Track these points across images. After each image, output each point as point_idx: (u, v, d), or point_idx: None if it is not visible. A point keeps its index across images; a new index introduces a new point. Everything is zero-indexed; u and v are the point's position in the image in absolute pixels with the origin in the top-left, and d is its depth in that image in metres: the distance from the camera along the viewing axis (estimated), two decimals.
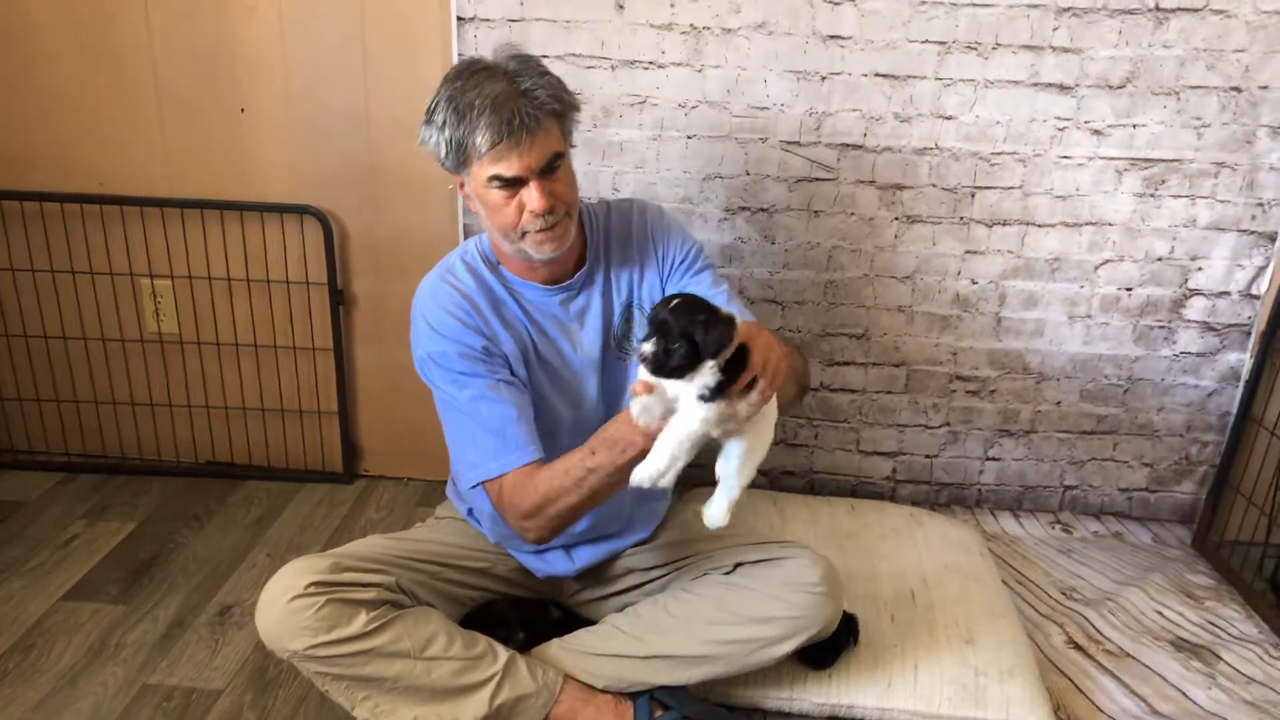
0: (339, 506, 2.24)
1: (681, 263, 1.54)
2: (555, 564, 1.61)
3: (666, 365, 1.15)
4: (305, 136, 2.10)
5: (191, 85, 2.08)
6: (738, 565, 1.51)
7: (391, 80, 2.05)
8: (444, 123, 1.34)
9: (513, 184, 1.35)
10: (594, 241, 1.54)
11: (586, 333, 1.52)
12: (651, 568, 1.62)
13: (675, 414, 1.19)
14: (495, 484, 1.40)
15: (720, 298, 1.47)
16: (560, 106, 1.37)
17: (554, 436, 1.49)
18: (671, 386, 1.18)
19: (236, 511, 2.20)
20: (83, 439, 2.37)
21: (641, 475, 1.19)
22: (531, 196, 1.35)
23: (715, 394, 1.16)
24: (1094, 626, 1.84)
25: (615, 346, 1.54)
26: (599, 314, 1.52)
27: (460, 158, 1.35)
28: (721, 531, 1.33)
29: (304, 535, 2.11)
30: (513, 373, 1.46)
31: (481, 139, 1.31)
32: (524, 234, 1.39)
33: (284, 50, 2.04)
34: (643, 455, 1.22)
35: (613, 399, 1.56)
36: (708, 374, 1.15)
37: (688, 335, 1.14)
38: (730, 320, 1.17)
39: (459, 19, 1.98)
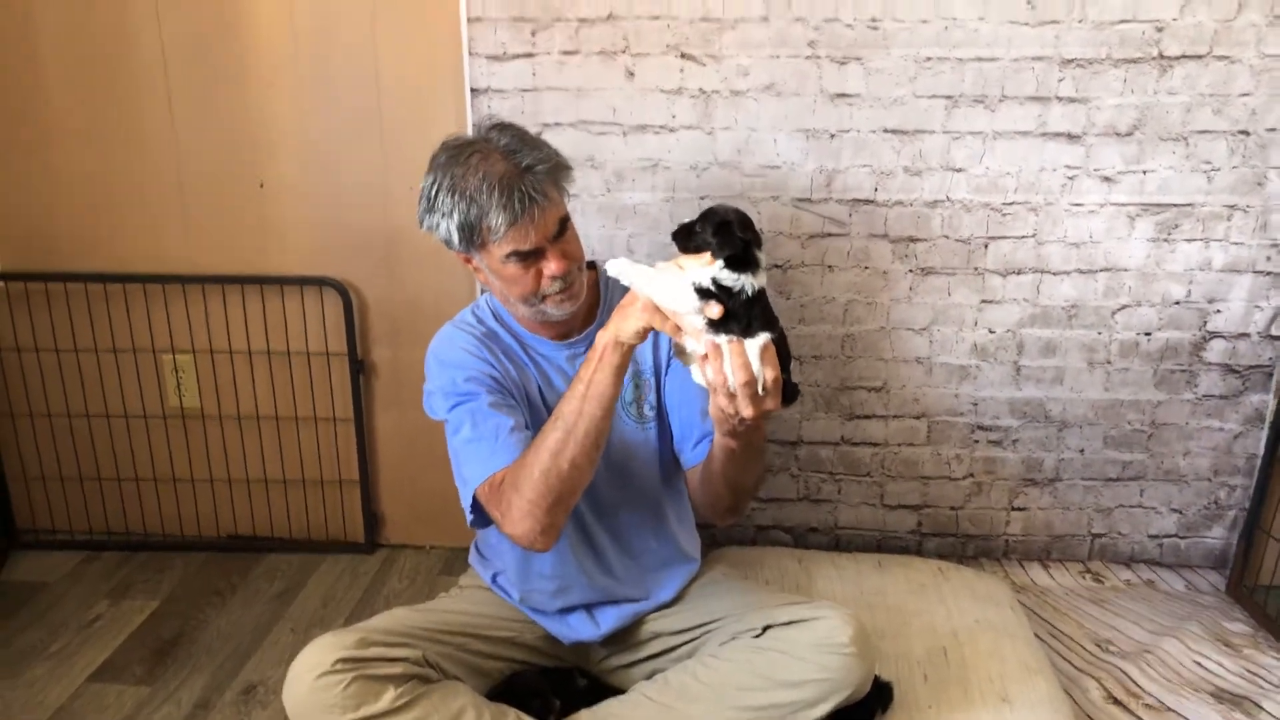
0: (362, 577, 2.23)
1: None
2: (580, 629, 1.59)
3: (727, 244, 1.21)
4: (323, 209, 2.14)
5: (211, 162, 2.12)
6: (767, 628, 1.49)
7: (408, 151, 2.08)
8: (451, 210, 1.36)
9: (530, 255, 1.38)
10: (607, 299, 1.56)
11: None
12: (679, 631, 1.60)
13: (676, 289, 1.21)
14: (487, 486, 1.38)
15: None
16: (556, 172, 1.39)
17: None
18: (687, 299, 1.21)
19: (259, 585, 2.19)
20: (106, 517, 2.37)
21: (616, 267, 1.26)
22: (550, 264, 1.39)
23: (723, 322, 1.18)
24: (1132, 680, 1.80)
25: (624, 410, 1.54)
26: None
27: (474, 241, 1.37)
28: None
29: (327, 608, 2.10)
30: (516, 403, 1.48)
31: (497, 221, 1.33)
32: (544, 297, 1.42)
33: (301, 125, 2.08)
34: (617, 370, 1.28)
35: (619, 460, 1.54)
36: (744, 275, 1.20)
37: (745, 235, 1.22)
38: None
39: (473, 90, 2.02)
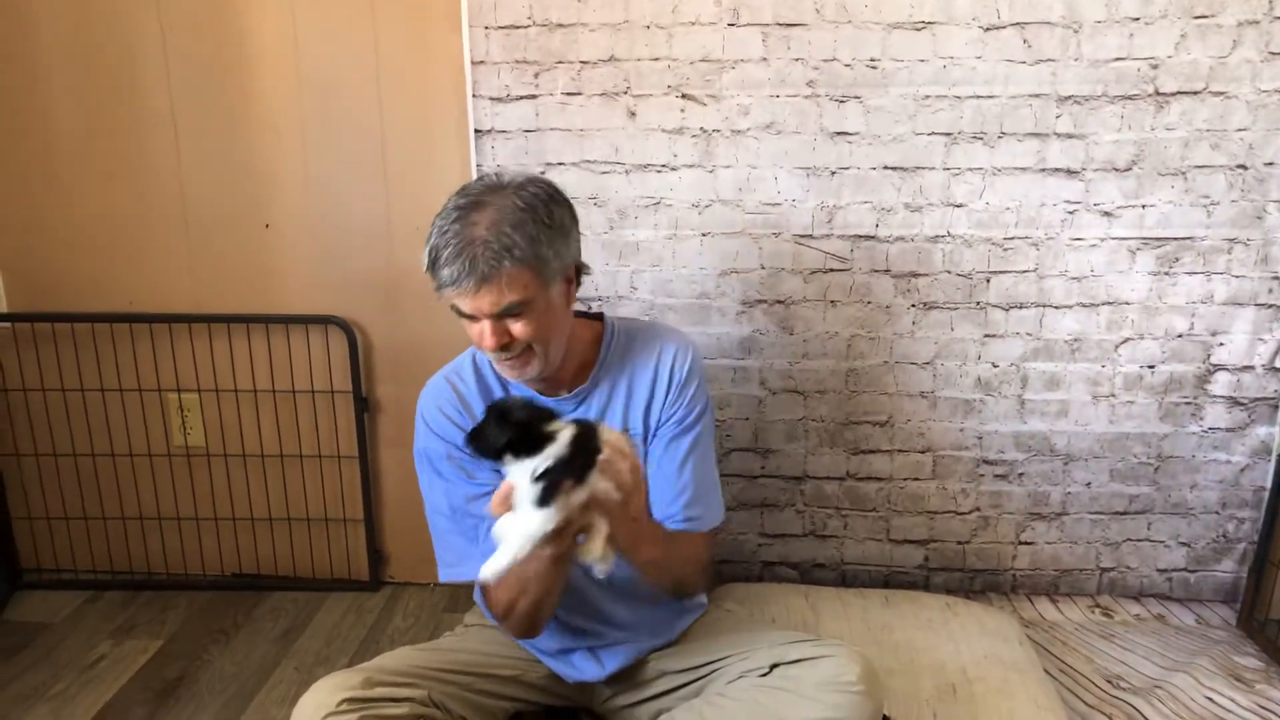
0: (366, 615, 2.21)
1: (674, 417, 1.51)
2: (584, 670, 1.58)
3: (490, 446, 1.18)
4: (328, 248, 2.15)
5: (217, 203, 2.14)
6: (774, 666, 1.47)
7: (412, 191, 2.10)
8: (429, 242, 1.33)
9: (469, 317, 1.36)
10: (605, 361, 1.53)
11: None
12: (685, 670, 1.58)
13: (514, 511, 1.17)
14: (476, 585, 1.46)
15: (686, 458, 1.50)
16: (529, 262, 1.31)
17: None
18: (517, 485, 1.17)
19: (263, 624, 2.18)
20: (110, 556, 2.37)
21: (486, 574, 1.19)
22: (482, 334, 1.35)
23: (547, 494, 1.14)
24: (1144, 716, 1.78)
25: None
26: None
27: (432, 274, 1.34)
28: None
29: (331, 647, 2.08)
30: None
31: (443, 274, 1.31)
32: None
33: (306, 166, 2.11)
34: (557, 560, 1.28)
35: None
36: (528, 472, 1.15)
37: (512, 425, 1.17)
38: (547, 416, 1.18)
39: (476, 131, 2.04)
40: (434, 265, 1.32)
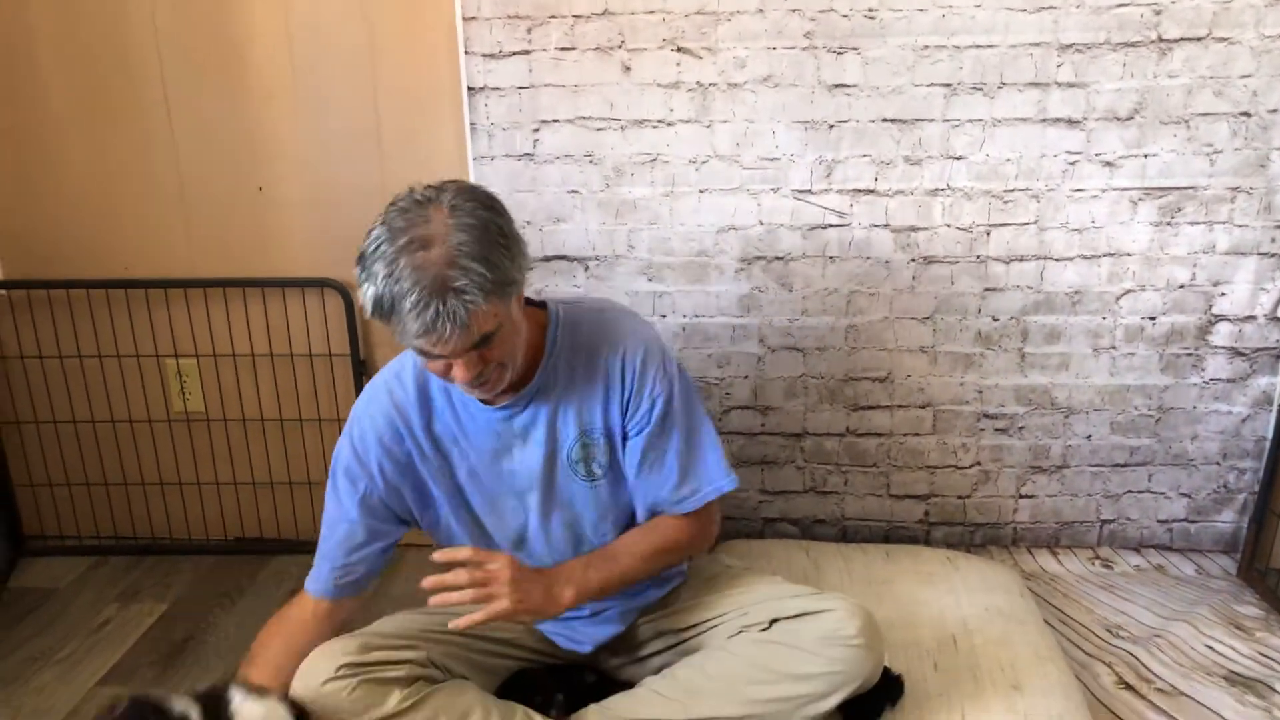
0: None
1: (640, 420, 1.45)
2: (570, 644, 1.58)
3: None
4: (323, 210, 2.14)
5: (210, 167, 2.12)
6: (774, 621, 1.47)
7: (406, 151, 2.08)
8: (377, 283, 1.20)
9: (436, 357, 1.28)
10: (552, 358, 1.42)
11: (529, 448, 1.44)
12: (683, 629, 1.58)
13: None
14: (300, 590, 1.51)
15: (667, 448, 1.46)
16: (498, 290, 1.21)
17: (499, 544, 1.51)
18: None
19: (267, 587, 2.19)
20: (113, 522, 2.38)
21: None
22: (455, 371, 1.27)
23: None
24: (1144, 665, 1.80)
25: (570, 469, 1.46)
26: (544, 434, 1.43)
27: (385, 319, 1.23)
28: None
29: None
30: (398, 516, 1.50)
31: (409, 325, 1.20)
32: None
33: (298, 127, 2.08)
34: None
35: (569, 520, 1.49)
36: None
37: None
38: None
39: (469, 89, 2.02)
40: (393, 313, 1.20)
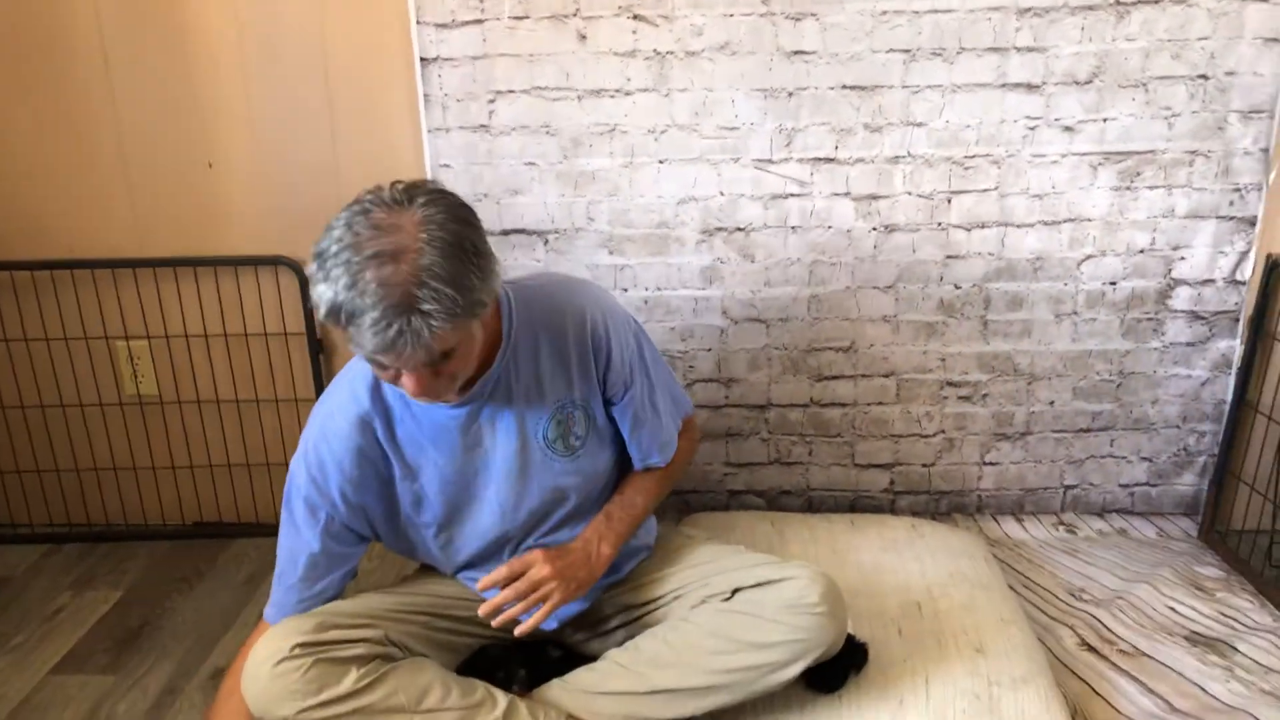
0: None
1: (621, 381, 1.45)
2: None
3: None
4: (274, 186, 2.09)
5: (156, 143, 2.06)
6: (736, 591, 1.46)
7: (358, 124, 2.04)
8: (335, 288, 1.13)
9: (388, 368, 1.23)
10: (510, 344, 1.37)
11: (498, 438, 1.41)
12: (646, 602, 1.57)
13: None
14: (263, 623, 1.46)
15: (652, 398, 1.51)
16: (466, 312, 1.16)
17: (468, 543, 1.49)
18: None
19: (227, 571, 2.16)
20: (66, 508, 2.32)
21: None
22: (400, 380, 1.23)
23: None
24: (1106, 627, 1.81)
25: (548, 448, 1.43)
26: (513, 423, 1.40)
27: (338, 325, 1.15)
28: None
29: None
30: (360, 535, 1.46)
31: (366, 339, 1.13)
32: None
33: (247, 101, 2.03)
34: None
35: (541, 491, 1.46)
36: None
37: None
38: None
39: (422, 59, 1.97)
40: (350, 324, 1.13)
